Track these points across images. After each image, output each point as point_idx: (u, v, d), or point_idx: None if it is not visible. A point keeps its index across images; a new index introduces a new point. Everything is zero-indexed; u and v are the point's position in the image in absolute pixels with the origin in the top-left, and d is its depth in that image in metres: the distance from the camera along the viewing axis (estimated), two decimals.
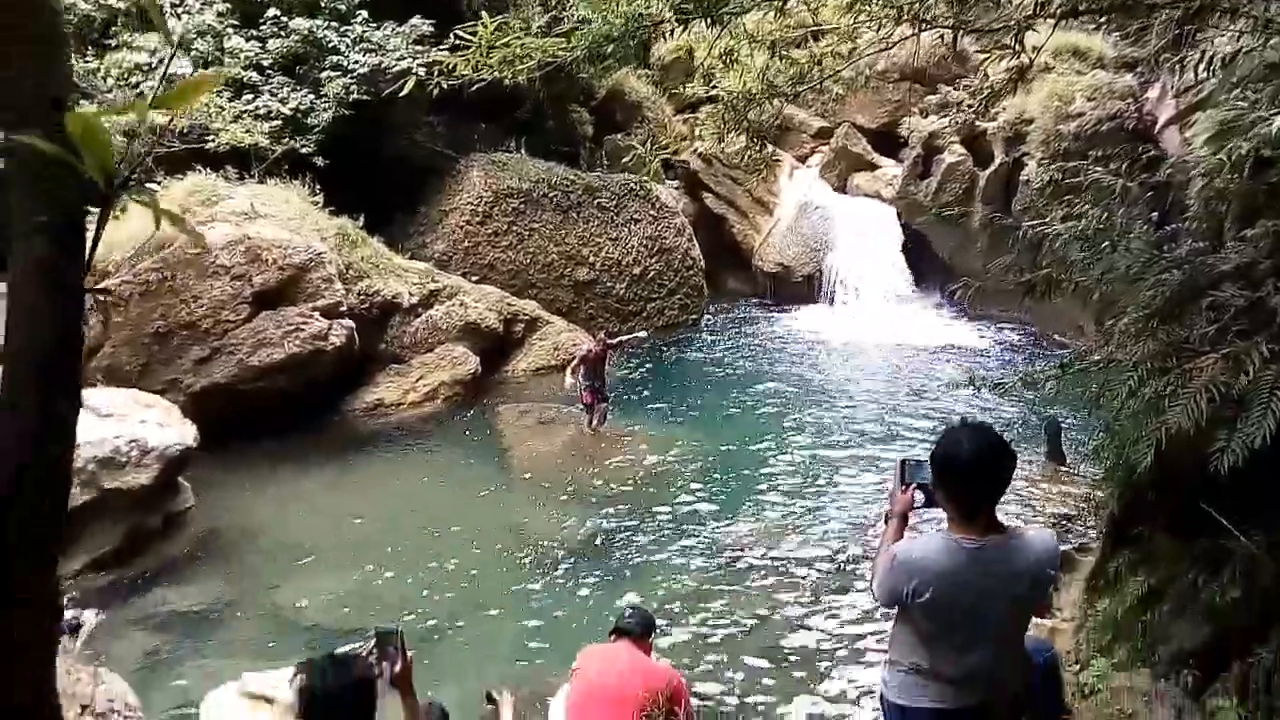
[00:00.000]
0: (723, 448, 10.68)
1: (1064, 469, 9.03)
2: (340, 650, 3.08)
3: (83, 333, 1.26)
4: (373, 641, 3.14)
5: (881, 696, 3.00)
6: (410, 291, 12.65)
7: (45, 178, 1.08)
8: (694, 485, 9.64)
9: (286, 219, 11.37)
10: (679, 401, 12.80)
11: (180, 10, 12.71)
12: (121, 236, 9.49)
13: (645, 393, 13.17)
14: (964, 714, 2.87)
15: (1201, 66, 4.44)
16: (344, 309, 11.46)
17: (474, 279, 14.08)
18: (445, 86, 4.22)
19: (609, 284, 15.73)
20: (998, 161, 16.29)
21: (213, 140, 11.72)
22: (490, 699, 4.80)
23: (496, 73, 3.88)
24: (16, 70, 1.14)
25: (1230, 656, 3.97)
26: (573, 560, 8.03)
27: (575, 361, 11.32)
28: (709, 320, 17.03)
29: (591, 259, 15.53)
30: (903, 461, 3.11)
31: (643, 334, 13.53)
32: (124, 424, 8.03)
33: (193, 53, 12.48)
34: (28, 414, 1.22)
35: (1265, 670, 3.78)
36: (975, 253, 15.84)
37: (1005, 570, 2.72)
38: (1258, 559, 3.88)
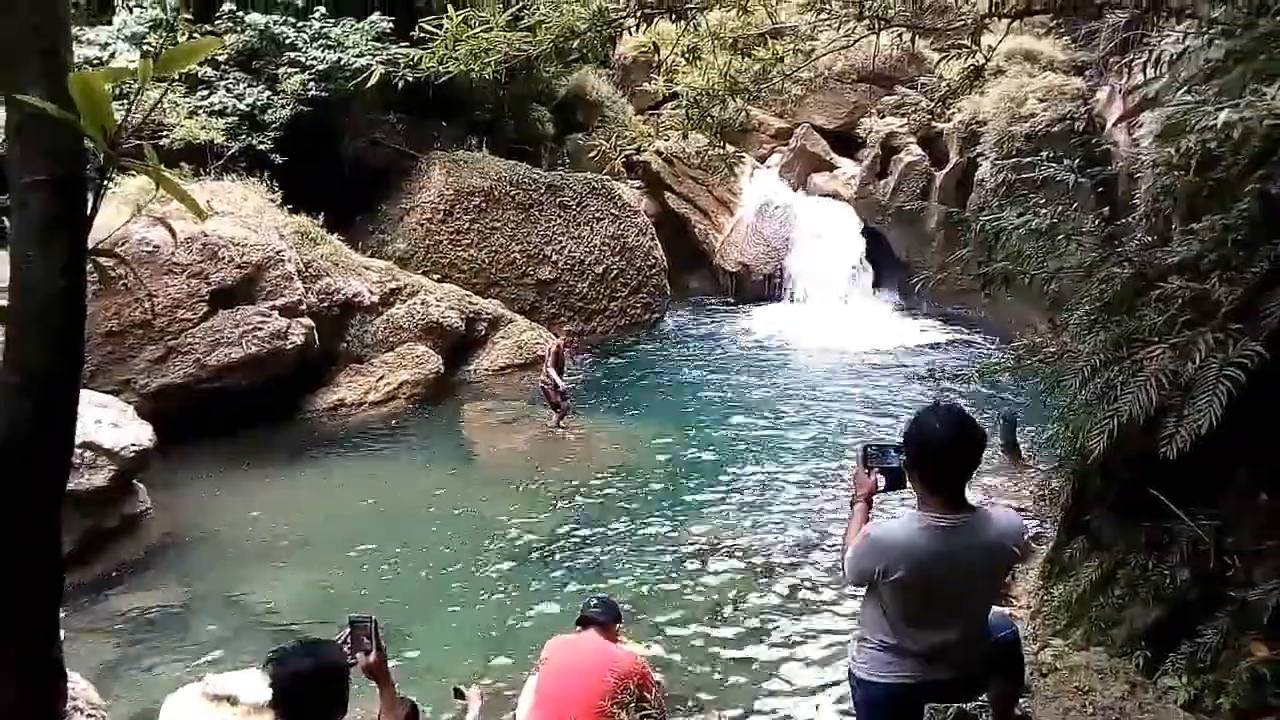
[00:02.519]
0: (684, 445, 10.75)
1: (1019, 460, 9.23)
2: (311, 638, 3.06)
3: (85, 291, 1.25)
4: (346, 631, 3.13)
5: (850, 672, 3.07)
6: (371, 290, 12.54)
7: (46, 132, 1.06)
8: (656, 482, 9.69)
9: (244, 216, 11.21)
10: (641, 400, 12.84)
11: (133, 4, 12.48)
12: None
13: (608, 391, 13.20)
14: (931, 688, 2.95)
15: (1149, 66, 4.60)
16: (303, 308, 11.32)
17: (436, 277, 13.99)
18: (409, 80, 4.21)
19: (571, 283, 15.72)
20: (953, 161, 16.60)
21: (167, 137, 11.51)
22: (459, 694, 4.81)
23: (463, 66, 3.89)
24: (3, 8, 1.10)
25: (1179, 635, 4.12)
26: (537, 557, 8.03)
27: (551, 356, 11.30)
28: (671, 319, 17.11)
29: (554, 258, 15.51)
30: (865, 447, 3.20)
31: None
32: (77, 425, 7.85)
33: (145, 47, 12.24)
34: (25, 384, 1.19)
35: (1211, 649, 3.92)
36: (932, 251, 16.14)
37: (974, 547, 2.81)
38: (1203, 541, 4.03)
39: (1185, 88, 4.67)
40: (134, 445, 8.05)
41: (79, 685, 4.59)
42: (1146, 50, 4.65)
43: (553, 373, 11.16)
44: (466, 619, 7.05)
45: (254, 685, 5.19)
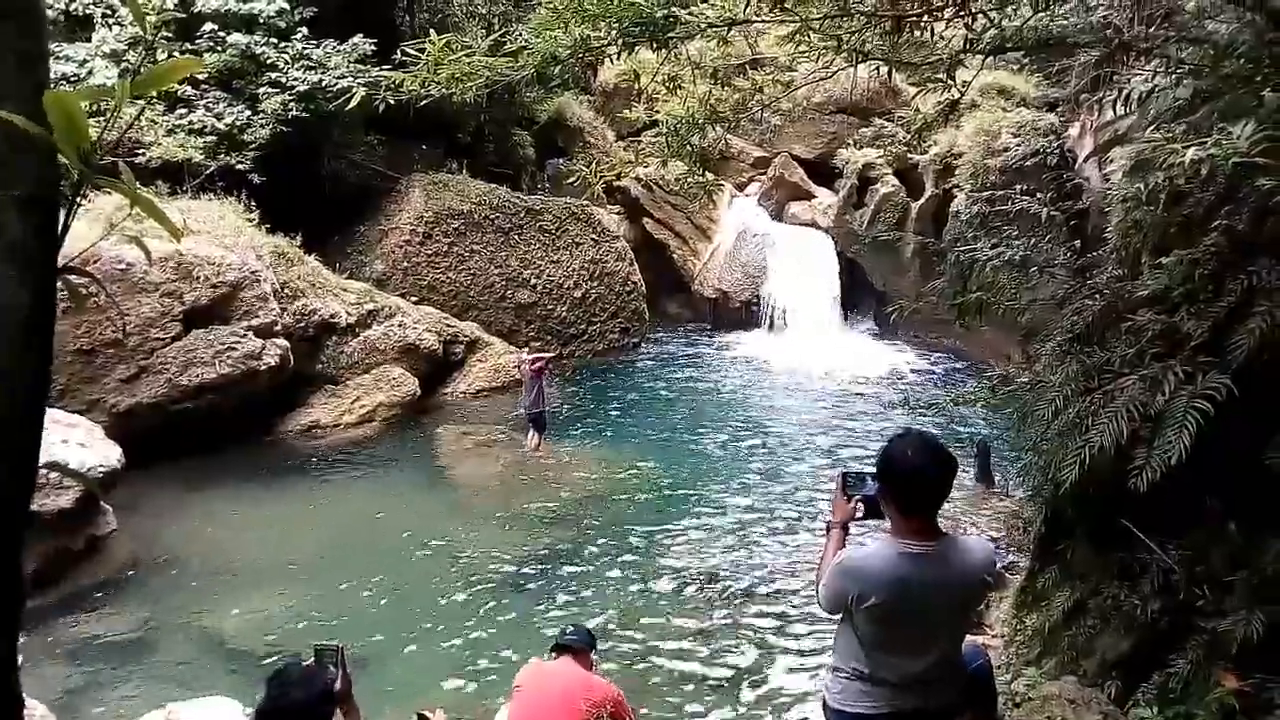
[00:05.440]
0: (661, 471, 10.73)
1: (993, 489, 9.28)
2: (302, 665, 3.00)
3: (55, 314, 1.23)
4: (311, 659, 3.08)
5: (824, 702, 3.05)
6: (347, 311, 12.47)
7: (18, 152, 1.04)
8: (632, 507, 9.65)
9: (220, 235, 11.13)
10: (618, 425, 12.82)
11: (112, 21, 12.44)
12: None
13: (585, 415, 13.17)
14: (904, 718, 2.94)
15: (1119, 104, 4.69)
16: (279, 328, 11.23)
17: (413, 299, 13.94)
18: (391, 103, 4.22)
19: (550, 306, 15.73)
20: (929, 193, 16.81)
21: (143, 154, 11.44)
22: (422, 719, 4.73)
23: (444, 89, 3.90)
24: None
25: (1151, 665, 4.14)
26: (510, 582, 7.96)
27: (536, 370, 11.26)
28: (650, 344, 17.13)
29: (533, 281, 15.52)
30: (843, 474, 3.20)
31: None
32: (43, 445, 7.71)
33: (123, 64, 12.19)
34: None
35: (1182, 679, 3.94)
36: (908, 280, 16.30)
37: (947, 575, 2.82)
38: (1174, 571, 4.07)
39: (1154, 125, 4.77)
40: (102, 466, 7.91)
41: (39, 712, 4.47)
42: (1116, 88, 4.75)
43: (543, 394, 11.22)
44: (437, 644, 6.96)
45: (219, 714, 5.09)
